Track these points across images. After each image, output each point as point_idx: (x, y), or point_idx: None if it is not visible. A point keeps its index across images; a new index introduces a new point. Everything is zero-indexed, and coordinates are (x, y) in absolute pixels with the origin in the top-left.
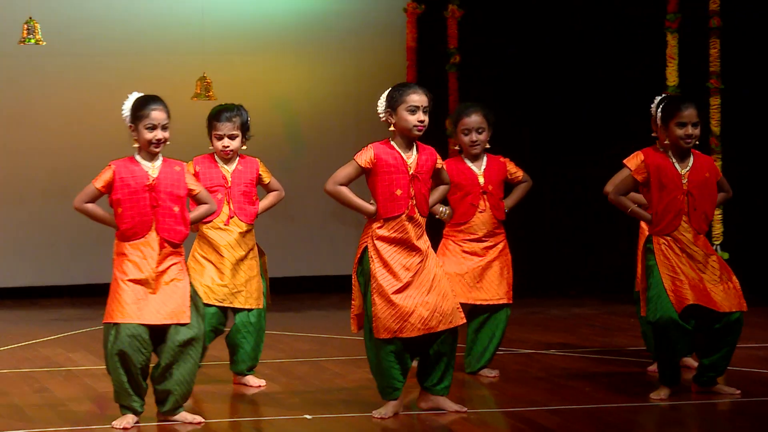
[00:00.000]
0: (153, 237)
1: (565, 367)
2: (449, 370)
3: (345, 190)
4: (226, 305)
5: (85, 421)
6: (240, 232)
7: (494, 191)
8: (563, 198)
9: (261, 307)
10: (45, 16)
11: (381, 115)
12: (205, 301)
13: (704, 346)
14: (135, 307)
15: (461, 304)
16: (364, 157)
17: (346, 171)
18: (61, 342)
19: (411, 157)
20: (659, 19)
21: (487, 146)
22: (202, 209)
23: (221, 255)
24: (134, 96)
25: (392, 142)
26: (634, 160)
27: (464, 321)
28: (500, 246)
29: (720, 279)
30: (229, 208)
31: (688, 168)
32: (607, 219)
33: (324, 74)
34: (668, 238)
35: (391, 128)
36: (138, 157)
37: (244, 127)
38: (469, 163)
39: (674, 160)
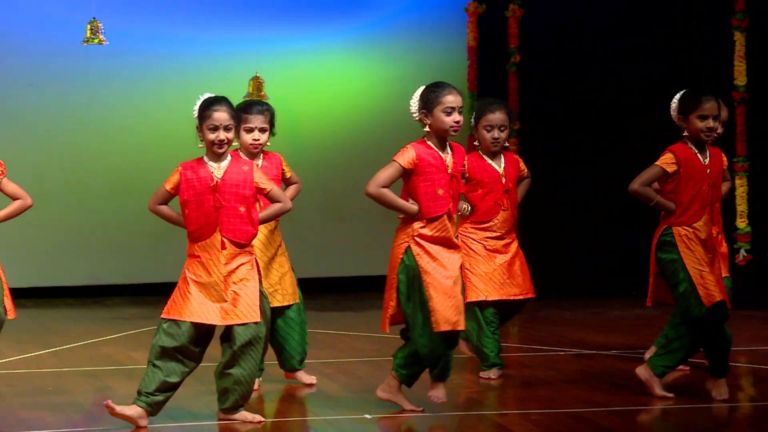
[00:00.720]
0: (218, 238)
1: (625, 368)
2: (449, 363)
3: (388, 192)
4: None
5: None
6: (269, 230)
7: (513, 189)
8: (624, 196)
9: (298, 301)
10: (107, 15)
11: (414, 116)
12: None
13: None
14: (200, 309)
15: (493, 301)
16: (406, 158)
17: (387, 173)
18: (122, 340)
19: (448, 157)
20: (726, 19)
21: (506, 144)
22: (274, 208)
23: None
24: (204, 96)
25: (429, 142)
26: (663, 156)
27: (464, 328)
28: (515, 242)
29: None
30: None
31: (708, 160)
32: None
33: (383, 74)
34: (689, 229)
35: (426, 129)
36: (205, 158)
37: (273, 122)
38: (489, 160)
39: (697, 152)
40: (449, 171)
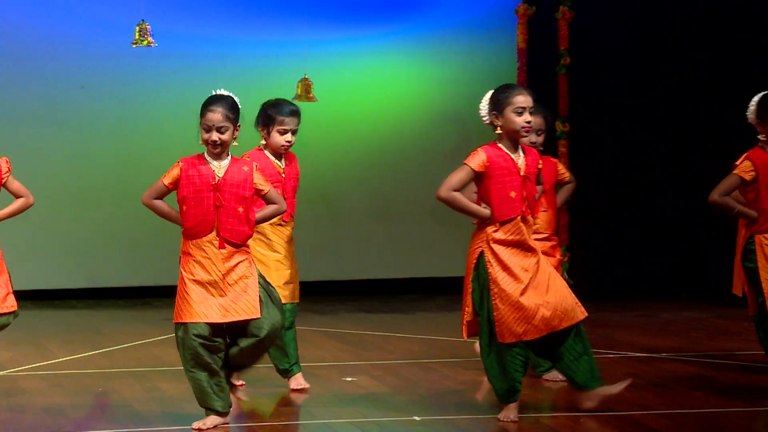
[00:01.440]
0: (214, 237)
1: (675, 370)
2: (594, 363)
3: (459, 196)
4: (297, 302)
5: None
6: (292, 228)
7: (550, 190)
8: (673, 198)
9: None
10: (156, 18)
11: (485, 118)
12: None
13: None
14: (202, 306)
15: None
16: (477, 160)
17: (458, 176)
18: (172, 342)
19: (520, 159)
20: None
21: (541, 148)
22: (270, 209)
23: (279, 252)
24: (214, 93)
25: (500, 144)
26: (740, 164)
27: (585, 315)
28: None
29: None
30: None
31: None
32: (719, 221)
33: (432, 76)
34: None
35: (498, 131)
36: (206, 156)
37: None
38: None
39: None
40: (522, 173)
